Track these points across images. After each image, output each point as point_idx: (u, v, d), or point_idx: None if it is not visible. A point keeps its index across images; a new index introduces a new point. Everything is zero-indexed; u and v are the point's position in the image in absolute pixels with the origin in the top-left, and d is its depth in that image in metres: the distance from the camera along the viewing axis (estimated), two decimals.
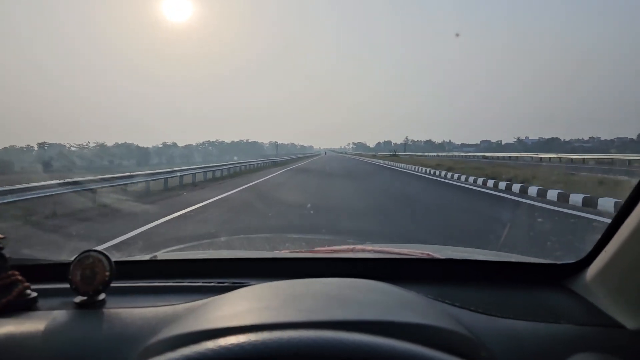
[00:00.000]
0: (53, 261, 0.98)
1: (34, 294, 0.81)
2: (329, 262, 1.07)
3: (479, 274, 0.97)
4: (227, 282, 0.90)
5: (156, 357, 0.37)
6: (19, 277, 0.80)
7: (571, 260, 0.91)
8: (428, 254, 1.10)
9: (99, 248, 0.82)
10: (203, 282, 0.91)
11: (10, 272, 0.80)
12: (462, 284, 0.91)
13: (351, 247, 1.26)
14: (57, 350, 0.66)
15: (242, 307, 0.62)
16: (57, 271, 0.91)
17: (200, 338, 0.47)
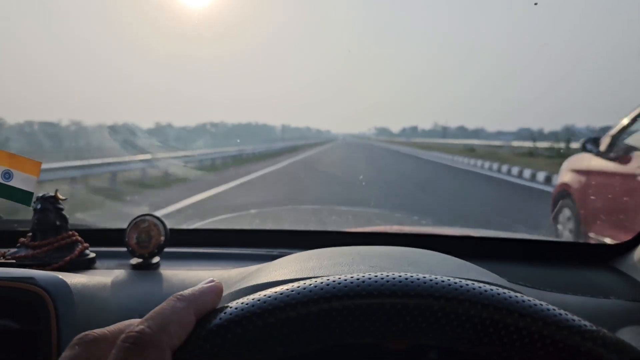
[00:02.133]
0: (108, 227, 1.02)
1: (93, 255, 0.85)
2: (376, 236, 1.09)
3: (525, 254, 0.98)
4: (275, 251, 0.93)
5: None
6: (79, 238, 0.84)
7: (619, 240, 0.93)
8: (469, 234, 1.11)
9: (155, 213, 0.85)
10: (252, 251, 0.94)
11: (71, 232, 0.83)
12: (508, 261, 0.93)
13: (389, 227, 1.27)
14: (123, 304, 0.70)
15: (309, 264, 0.63)
16: (112, 236, 0.95)
17: (279, 285, 0.49)
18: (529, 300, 0.37)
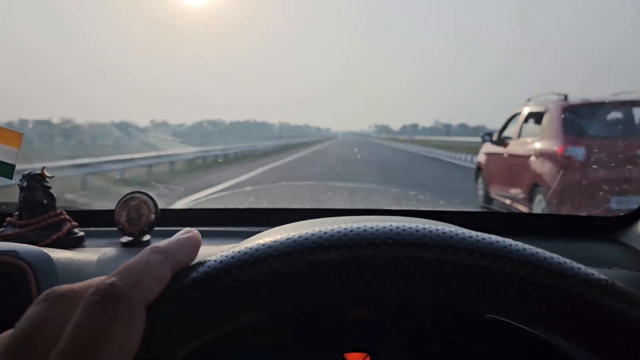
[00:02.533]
0: (98, 208, 1.00)
1: (82, 233, 0.83)
2: (371, 212, 1.07)
3: (526, 227, 0.97)
4: (268, 229, 0.91)
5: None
6: (67, 216, 0.82)
7: (621, 213, 0.92)
8: (470, 210, 1.09)
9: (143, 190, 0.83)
10: (245, 229, 0.92)
11: (59, 211, 0.82)
12: (510, 235, 0.91)
13: (387, 206, 1.25)
14: None
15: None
16: (102, 218, 0.93)
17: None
18: (530, 249, 0.34)
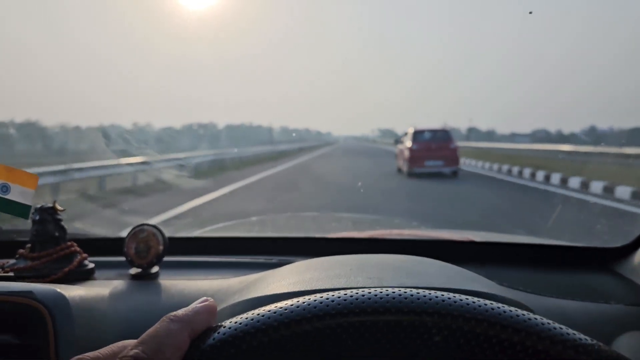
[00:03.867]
0: (107, 236, 1.03)
1: (92, 265, 0.85)
2: (374, 242, 1.09)
3: (524, 257, 0.98)
4: (274, 259, 0.93)
5: (233, 319, 0.38)
6: (78, 249, 0.85)
7: (618, 244, 0.93)
8: (469, 238, 1.11)
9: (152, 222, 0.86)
10: (251, 259, 0.94)
11: (70, 243, 0.84)
12: (508, 266, 0.93)
13: (388, 231, 1.27)
14: (121, 316, 0.70)
15: (308, 275, 0.64)
16: (111, 245, 0.96)
17: (272, 301, 0.49)
18: (523, 315, 0.36)
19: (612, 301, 0.77)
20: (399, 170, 10.65)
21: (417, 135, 10.69)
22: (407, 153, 9.92)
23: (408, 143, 10.25)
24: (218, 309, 0.65)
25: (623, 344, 0.68)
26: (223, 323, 0.37)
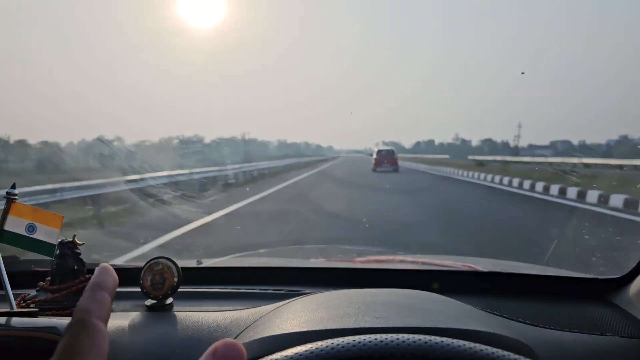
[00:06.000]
0: (123, 266, 1.07)
1: None
2: (380, 272, 1.13)
3: (523, 287, 1.02)
4: (283, 289, 0.97)
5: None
6: None
7: (616, 275, 0.96)
8: (470, 266, 1.14)
9: (167, 255, 0.90)
10: (260, 289, 0.98)
11: (88, 276, 0.88)
12: (507, 296, 0.96)
13: (392, 257, 1.31)
14: (139, 348, 0.74)
15: (318, 314, 0.67)
16: (127, 276, 1.00)
17: (287, 340, 0.53)
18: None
19: (607, 333, 0.81)
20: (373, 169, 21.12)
21: (378, 152, 22.04)
22: (373, 161, 21.28)
23: (374, 155, 21.78)
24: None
25: None
26: None
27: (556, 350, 0.75)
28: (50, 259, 0.79)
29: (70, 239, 0.90)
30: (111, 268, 0.40)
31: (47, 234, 0.72)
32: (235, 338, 0.72)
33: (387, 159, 20.83)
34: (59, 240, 0.91)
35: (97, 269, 0.40)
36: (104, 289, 0.38)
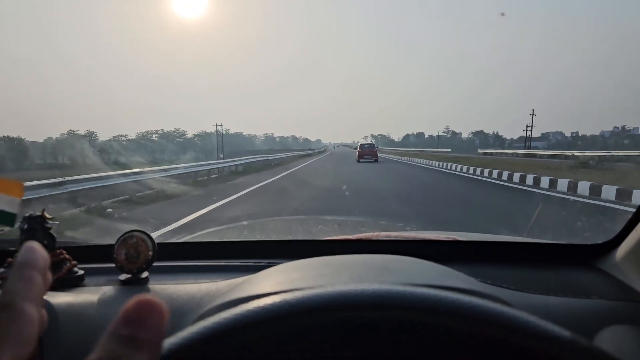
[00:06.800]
0: (97, 243, 1.03)
1: (81, 272, 0.87)
2: (361, 243, 1.11)
3: (508, 256, 1.02)
4: (263, 262, 0.94)
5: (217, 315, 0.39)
6: (67, 256, 0.86)
7: (600, 240, 0.96)
8: (454, 238, 1.12)
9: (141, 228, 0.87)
10: (240, 262, 0.95)
11: (58, 251, 0.85)
12: (492, 264, 0.95)
13: (376, 234, 1.29)
14: (109, 321, 0.71)
15: (293, 275, 0.65)
16: (101, 253, 0.97)
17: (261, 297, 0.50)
18: (509, 312, 0.37)
19: (593, 296, 0.80)
20: (357, 160, 26.52)
21: (361, 145, 28.53)
22: (357, 153, 27.57)
23: (358, 149, 28.19)
24: (205, 309, 0.66)
25: (605, 338, 0.70)
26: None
27: (542, 314, 0.73)
28: (10, 227, 0.76)
29: (40, 213, 0.87)
30: (38, 245, 0.36)
31: (7, 202, 0.69)
32: (208, 307, 0.69)
33: (368, 151, 27.16)
34: (28, 214, 0.87)
35: (22, 247, 0.36)
36: (32, 268, 0.33)
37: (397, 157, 36.60)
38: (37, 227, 0.86)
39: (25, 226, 0.85)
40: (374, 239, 1.13)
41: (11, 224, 0.69)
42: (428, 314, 0.37)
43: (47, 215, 0.88)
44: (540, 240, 1.10)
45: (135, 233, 0.88)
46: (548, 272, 0.93)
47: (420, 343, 0.37)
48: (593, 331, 0.71)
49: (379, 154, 31.96)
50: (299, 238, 1.16)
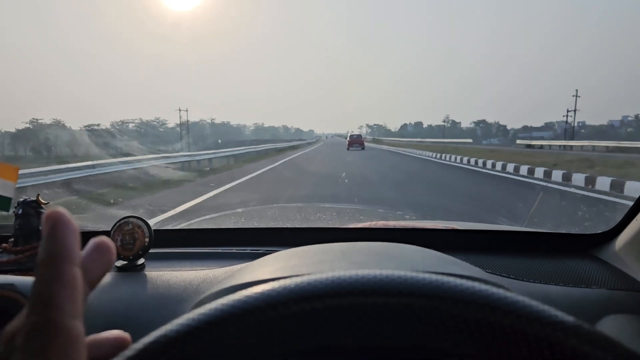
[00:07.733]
0: (92, 229, 1.03)
1: None
2: (360, 231, 1.11)
3: (507, 245, 1.02)
4: (261, 249, 0.94)
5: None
6: None
7: (600, 230, 0.96)
8: (453, 227, 1.12)
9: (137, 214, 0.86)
10: (238, 250, 0.95)
11: None
12: (492, 254, 0.95)
13: (374, 223, 1.29)
14: (105, 307, 0.71)
15: (292, 262, 0.65)
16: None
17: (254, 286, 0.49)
18: (512, 297, 0.36)
19: (593, 285, 0.81)
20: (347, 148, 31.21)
21: (350, 136, 35.64)
22: (347, 142, 34.20)
23: (348, 138, 35.43)
24: (203, 296, 0.66)
25: (605, 326, 0.70)
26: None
27: (541, 301, 0.74)
28: (6, 213, 0.75)
29: (34, 198, 0.86)
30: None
31: (2, 187, 0.68)
32: (207, 294, 0.69)
33: (356, 141, 33.34)
34: (22, 199, 0.86)
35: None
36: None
37: (416, 151, 24.89)
38: (31, 212, 0.86)
39: (20, 211, 0.85)
40: (372, 227, 1.14)
41: (5, 209, 0.69)
42: (430, 300, 0.36)
43: (42, 201, 0.87)
44: (540, 230, 1.10)
45: (131, 219, 0.87)
46: (548, 262, 0.93)
47: (422, 330, 0.37)
48: (593, 320, 0.71)
49: (379, 145, 42.97)
50: (297, 226, 1.15)
